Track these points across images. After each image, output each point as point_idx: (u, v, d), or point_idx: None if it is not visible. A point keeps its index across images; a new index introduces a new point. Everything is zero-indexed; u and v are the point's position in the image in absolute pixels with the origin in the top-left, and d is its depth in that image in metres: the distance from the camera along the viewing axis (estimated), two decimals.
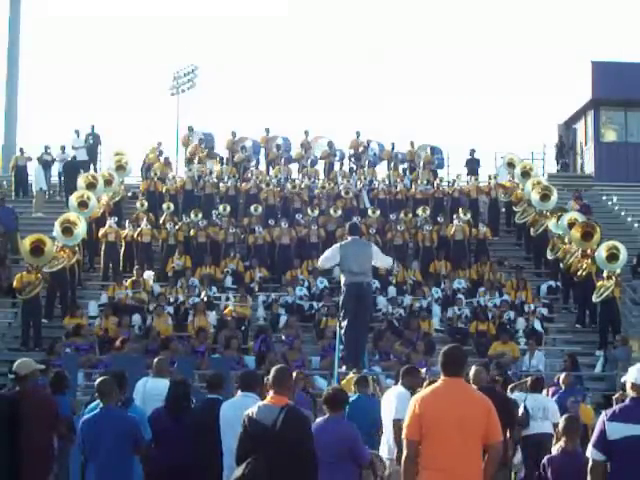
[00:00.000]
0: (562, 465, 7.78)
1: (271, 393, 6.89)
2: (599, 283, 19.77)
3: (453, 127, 60.18)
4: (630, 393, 6.54)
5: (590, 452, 6.45)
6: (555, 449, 7.98)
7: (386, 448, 9.52)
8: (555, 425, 11.43)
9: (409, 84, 72.53)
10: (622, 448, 6.30)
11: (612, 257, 19.81)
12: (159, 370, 10.71)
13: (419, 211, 24.07)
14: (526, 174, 24.74)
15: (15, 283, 19.31)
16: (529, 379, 12.55)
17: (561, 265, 21.58)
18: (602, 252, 19.83)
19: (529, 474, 11.38)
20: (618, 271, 20.08)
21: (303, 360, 17.70)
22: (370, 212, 24.32)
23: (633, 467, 6.32)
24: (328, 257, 12.04)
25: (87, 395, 13.91)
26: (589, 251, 20.55)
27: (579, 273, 20.63)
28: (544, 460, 8.03)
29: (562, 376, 14.11)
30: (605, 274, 19.77)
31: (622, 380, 7.02)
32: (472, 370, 10.25)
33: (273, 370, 7.05)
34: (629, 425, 6.32)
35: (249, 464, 6.62)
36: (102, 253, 22.56)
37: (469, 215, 23.89)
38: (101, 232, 22.52)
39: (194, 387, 11.29)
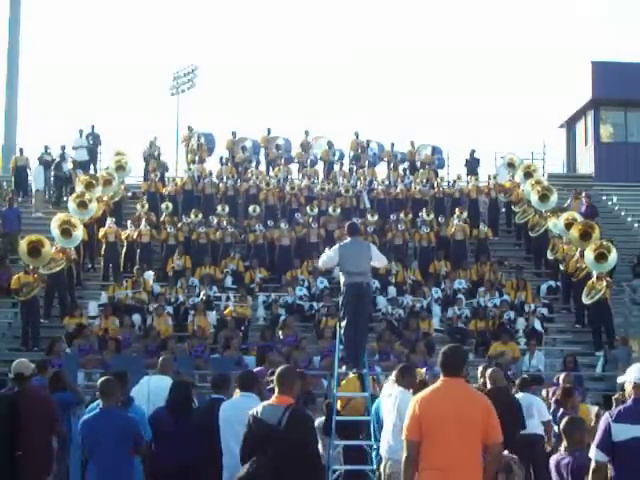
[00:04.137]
0: (564, 466, 7.76)
1: (275, 393, 6.90)
2: (589, 283, 19.67)
3: (453, 127, 60.24)
4: (631, 394, 6.51)
5: (594, 453, 6.40)
6: (561, 449, 7.95)
7: (387, 447, 9.52)
8: (543, 424, 11.45)
9: (409, 84, 72.60)
10: (628, 449, 6.26)
11: (601, 257, 19.65)
12: (163, 368, 10.66)
13: (422, 213, 24.07)
14: (528, 174, 24.71)
15: (12, 284, 19.30)
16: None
17: (561, 266, 21.57)
18: (589, 253, 19.62)
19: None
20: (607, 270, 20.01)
21: (310, 359, 17.74)
22: (369, 212, 24.32)
23: (638, 468, 6.30)
24: (328, 257, 11.98)
25: (87, 395, 13.90)
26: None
27: (577, 273, 20.61)
28: (550, 460, 8.01)
29: (562, 376, 14.11)
30: (595, 275, 19.66)
31: (619, 381, 6.99)
32: (489, 371, 10.21)
33: (278, 370, 7.05)
34: (634, 426, 6.28)
35: (253, 463, 6.64)
36: (103, 253, 22.58)
37: (465, 214, 23.89)
38: (101, 232, 22.53)
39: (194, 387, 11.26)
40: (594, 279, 19.59)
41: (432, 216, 24.01)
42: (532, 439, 11.06)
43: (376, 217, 24.10)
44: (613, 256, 19.65)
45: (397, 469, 8.10)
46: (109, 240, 22.43)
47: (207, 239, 22.93)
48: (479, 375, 11.00)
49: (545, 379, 15.03)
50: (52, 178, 26.68)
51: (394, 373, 10.31)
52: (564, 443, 7.73)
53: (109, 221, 22.74)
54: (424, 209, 24.21)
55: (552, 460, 7.83)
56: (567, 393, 11.26)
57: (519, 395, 11.56)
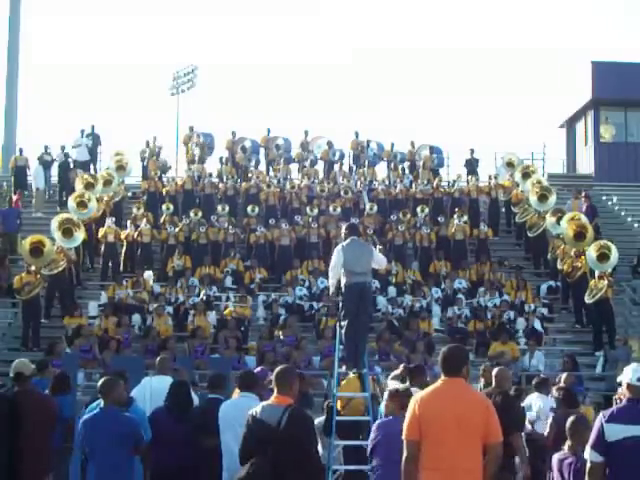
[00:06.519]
0: (567, 465, 7.76)
1: (274, 393, 6.88)
2: (591, 283, 19.72)
3: (453, 127, 60.24)
4: (626, 393, 6.53)
5: (588, 454, 6.43)
6: (564, 448, 7.95)
7: None
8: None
9: (409, 84, 72.60)
10: (621, 449, 6.29)
11: (603, 257, 19.70)
12: (161, 368, 10.65)
13: (418, 209, 24.13)
14: (527, 175, 24.69)
15: (15, 283, 19.32)
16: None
17: (559, 265, 21.58)
18: (592, 252, 19.74)
19: (535, 473, 11.34)
20: (609, 271, 20.04)
21: (309, 359, 17.73)
22: (368, 208, 24.31)
23: (632, 468, 6.31)
24: (334, 266, 11.72)
25: (87, 395, 13.91)
26: (582, 251, 20.54)
27: (572, 273, 20.62)
28: (553, 460, 8.01)
29: (564, 376, 14.10)
30: (597, 274, 19.72)
31: (618, 380, 7.02)
32: (495, 370, 10.18)
33: (276, 370, 7.03)
34: (627, 426, 6.31)
35: (253, 464, 6.62)
36: (102, 253, 22.57)
37: (466, 217, 23.88)
38: (101, 232, 22.52)
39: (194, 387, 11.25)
40: (596, 279, 19.65)
41: (427, 211, 24.03)
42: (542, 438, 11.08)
43: (375, 209, 24.07)
44: (614, 255, 19.70)
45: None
46: (108, 240, 22.43)
47: (207, 239, 22.94)
48: (480, 375, 10.99)
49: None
50: (58, 178, 26.64)
51: (398, 372, 10.26)
52: (568, 442, 7.73)
53: (108, 221, 22.74)
54: (418, 207, 24.22)
55: (554, 459, 7.84)
56: None
57: (535, 395, 11.59)
